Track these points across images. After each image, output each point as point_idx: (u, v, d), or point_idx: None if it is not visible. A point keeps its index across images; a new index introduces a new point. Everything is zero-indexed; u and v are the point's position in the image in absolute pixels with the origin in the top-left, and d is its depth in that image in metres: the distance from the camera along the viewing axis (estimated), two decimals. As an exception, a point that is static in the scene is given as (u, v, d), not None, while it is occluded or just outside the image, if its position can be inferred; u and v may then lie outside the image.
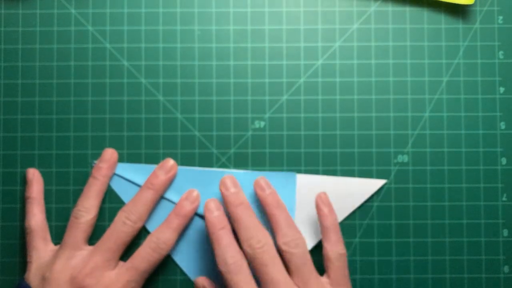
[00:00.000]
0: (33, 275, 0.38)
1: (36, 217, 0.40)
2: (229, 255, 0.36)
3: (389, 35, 0.42)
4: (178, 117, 0.42)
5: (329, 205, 0.39)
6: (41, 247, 0.39)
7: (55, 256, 0.38)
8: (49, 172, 0.41)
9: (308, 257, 0.37)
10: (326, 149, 0.41)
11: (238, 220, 0.37)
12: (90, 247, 0.39)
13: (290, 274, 0.36)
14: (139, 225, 0.39)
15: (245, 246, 0.36)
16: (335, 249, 0.38)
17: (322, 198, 0.39)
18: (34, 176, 0.40)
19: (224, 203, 0.38)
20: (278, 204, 0.38)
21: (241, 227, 0.37)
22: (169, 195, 0.41)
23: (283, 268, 0.36)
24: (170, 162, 0.40)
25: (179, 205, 0.40)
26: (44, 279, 0.37)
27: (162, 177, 0.40)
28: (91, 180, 0.40)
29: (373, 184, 0.41)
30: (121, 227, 0.39)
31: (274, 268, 0.36)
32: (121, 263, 0.39)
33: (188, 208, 0.40)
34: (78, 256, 0.38)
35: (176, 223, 0.39)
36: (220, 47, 0.42)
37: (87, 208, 0.39)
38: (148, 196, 0.39)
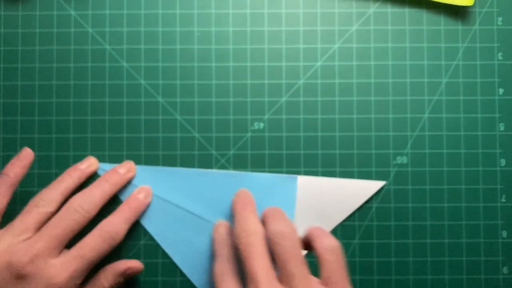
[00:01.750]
0: None
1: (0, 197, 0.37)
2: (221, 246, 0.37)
3: (388, 37, 0.42)
4: (177, 118, 0.42)
5: None
6: None
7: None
8: (49, 173, 0.41)
9: (298, 252, 0.34)
10: (325, 150, 0.41)
11: (236, 214, 0.37)
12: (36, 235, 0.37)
13: (276, 268, 0.34)
14: (91, 214, 0.37)
15: (234, 239, 0.36)
16: (323, 241, 0.34)
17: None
18: (26, 158, 0.39)
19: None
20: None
21: (237, 218, 0.37)
22: (174, 198, 0.41)
23: (268, 261, 0.34)
24: (132, 164, 0.41)
25: (132, 197, 0.40)
26: None
27: (121, 175, 0.40)
28: (64, 177, 0.39)
29: (373, 186, 0.41)
30: (72, 214, 0.37)
31: (256, 261, 0.33)
32: (66, 251, 0.37)
33: (142, 201, 0.40)
34: (22, 242, 0.36)
35: (129, 214, 0.39)
36: (219, 48, 0.42)
37: (50, 200, 0.37)
38: (105, 188, 0.39)
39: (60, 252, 0.36)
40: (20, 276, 0.35)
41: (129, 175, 0.40)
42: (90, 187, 0.39)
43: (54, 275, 0.35)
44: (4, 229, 0.37)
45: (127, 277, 0.39)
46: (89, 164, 0.41)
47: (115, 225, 0.38)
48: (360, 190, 0.41)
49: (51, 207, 0.37)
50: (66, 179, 0.39)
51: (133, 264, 0.39)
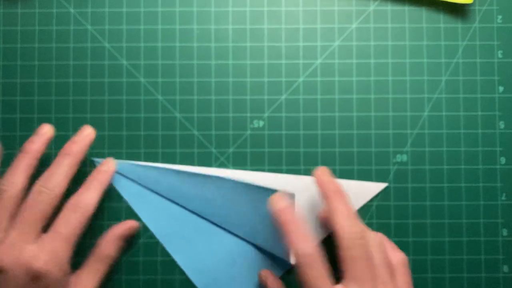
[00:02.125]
0: None
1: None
2: (305, 245, 0.34)
3: (388, 34, 0.42)
4: (177, 116, 0.42)
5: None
6: None
7: None
8: (48, 171, 0.41)
9: (388, 261, 0.36)
10: (325, 148, 0.41)
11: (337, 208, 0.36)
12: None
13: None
14: (57, 192, 0.36)
15: (346, 235, 0.34)
16: (396, 253, 0.37)
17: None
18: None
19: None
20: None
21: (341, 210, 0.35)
22: (179, 199, 0.41)
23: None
24: (88, 129, 0.39)
25: (97, 170, 0.39)
26: None
27: (79, 142, 0.38)
28: (20, 155, 0.37)
29: (374, 188, 0.41)
30: (37, 196, 0.35)
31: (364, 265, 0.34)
32: (43, 235, 0.35)
33: (107, 171, 0.39)
34: None
35: (97, 184, 0.38)
36: (219, 46, 0.42)
37: (12, 183, 0.36)
38: (65, 162, 0.37)
39: (37, 237, 0.35)
40: (38, 274, 0.34)
41: (88, 138, 0.38)
42: (50, 166, 0.37)
43: (33, 260, 0.34)
44: None
45: (127, 239, 0.40)
46: (45, 130, 0.38)
47: (84, 196, 0.37)
48: (361, 191, 0.41)
49: (16, 189, 0.36)
50: (23, 156, 0.37)
51: (130, 224, 0.39)
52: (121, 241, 0.39)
